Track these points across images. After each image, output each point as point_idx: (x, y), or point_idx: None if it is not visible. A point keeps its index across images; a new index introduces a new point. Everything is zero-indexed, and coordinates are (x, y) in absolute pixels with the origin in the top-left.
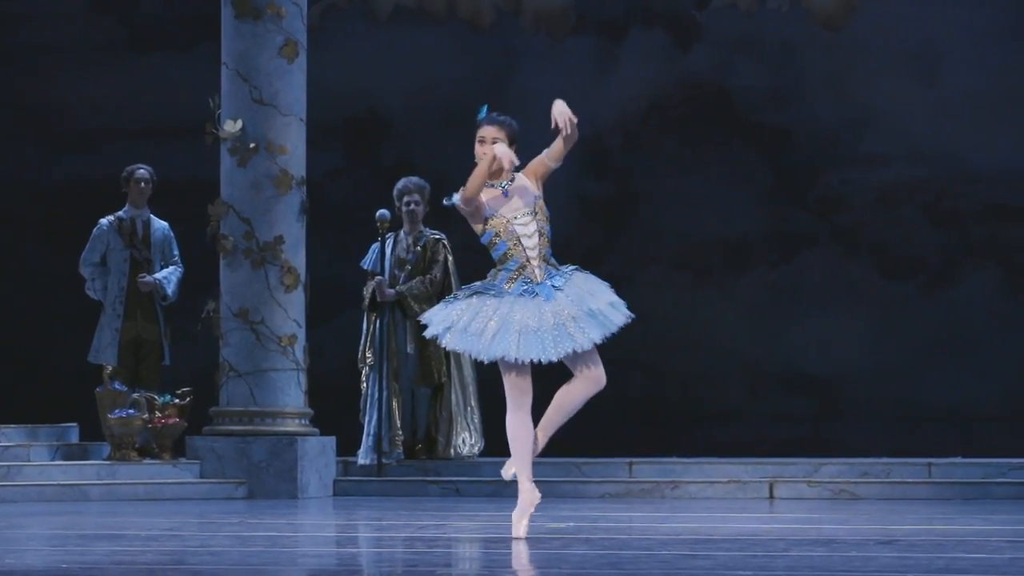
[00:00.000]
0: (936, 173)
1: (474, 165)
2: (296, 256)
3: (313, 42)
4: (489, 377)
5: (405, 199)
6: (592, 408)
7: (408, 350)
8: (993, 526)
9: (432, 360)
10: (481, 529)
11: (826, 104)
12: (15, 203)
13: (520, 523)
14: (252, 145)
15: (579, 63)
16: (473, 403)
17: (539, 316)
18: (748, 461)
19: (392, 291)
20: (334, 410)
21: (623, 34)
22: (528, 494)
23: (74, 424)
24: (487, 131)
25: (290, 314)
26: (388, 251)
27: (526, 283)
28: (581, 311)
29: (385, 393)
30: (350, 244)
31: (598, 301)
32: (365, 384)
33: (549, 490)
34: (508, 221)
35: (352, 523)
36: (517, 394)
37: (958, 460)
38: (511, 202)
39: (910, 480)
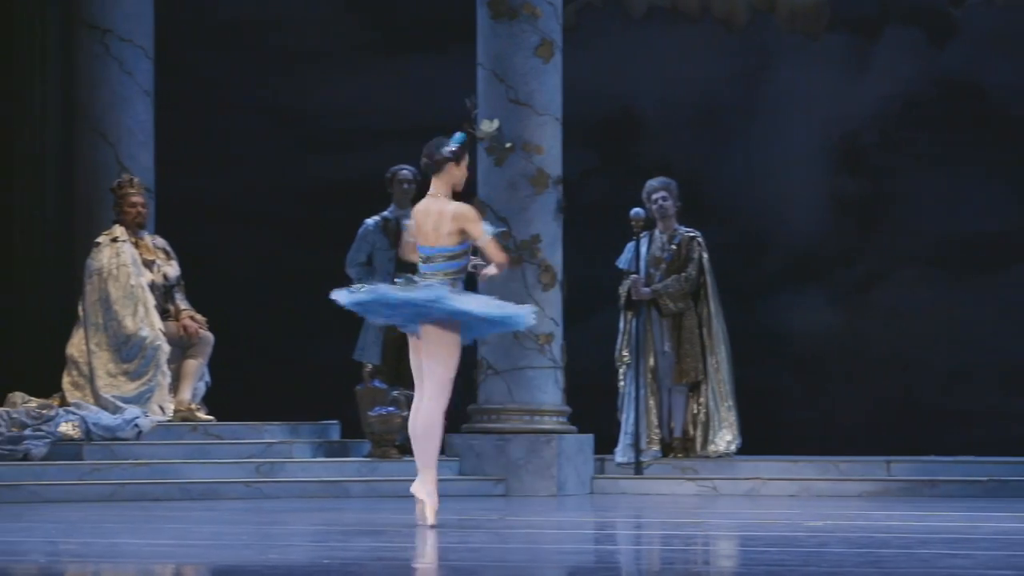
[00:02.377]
0: None
1: None
2: (553, 255)
3: (568, 41)
4: (745, 375)
5: (654, 197)
6: (850, 406)
7: (664, 348)
8: None
9: (688, 358)
10: (739, 527)
11: None
12: (278, 204)
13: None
14: (508, 145)
15: (834, 61)
16: (730, 401)
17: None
18: (1010, 460)
19: (647, 290)
20: (591, 408)
21: (878, 31)
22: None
23: (335, 421)
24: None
25: (547, 312)
26: (643, 250)
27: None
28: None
29: (642, 391)
30: (605, 243)
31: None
32: (622, 382)
33: (806, 488)
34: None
35: (610, 521)
36: None
37: None
38: None
39: None
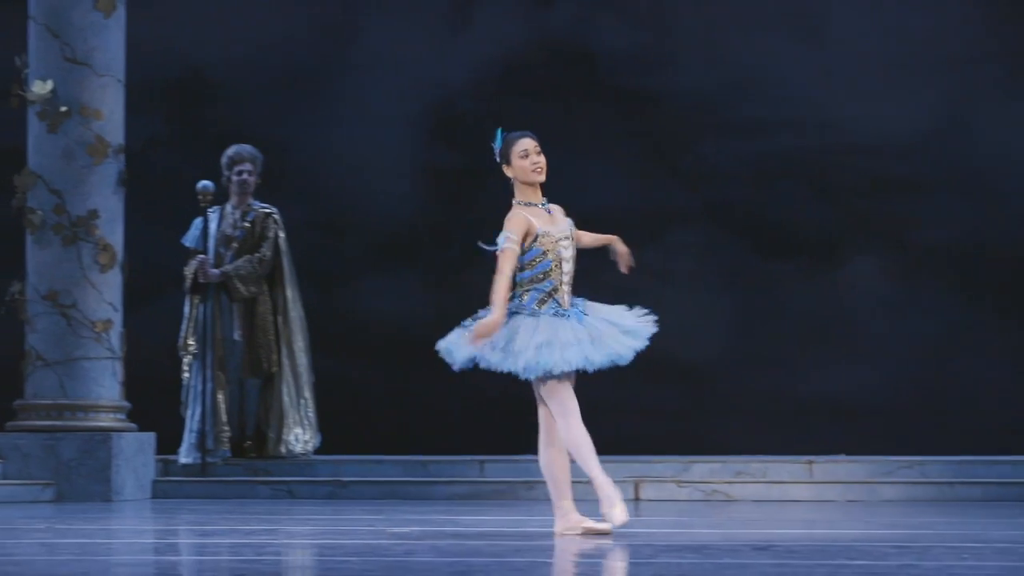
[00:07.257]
0: (821, 143)
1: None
2: (113, 232)
3: None
4: (324, 367)
5: (236, 168)
6: (441, 401)
7: (234, 336)
8: (879, 530)
9: (261, 348)
10: (317, 534)
11: (700, 66)
12: None
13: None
14: (64, 109)
15: (428, 19)
16: (307, 395)
17: (575, 333)
18: (611, 459)
19: (216, 271)
20: (153, 403)
21: None
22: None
23: None
24: (530, 143)
25: (105, 297)
26: (212, 227)
27: (556, 305)
28: (615, 329)
29: (209, 385)
30: (172, 219)
31: (626, 320)
32: (187, 374)
33: (391, 491)
34: (556, 241)
35: (172, 528)
36: (567, 403)
37: (841, 458)
38: (555, 221)
39: (789, 480)
